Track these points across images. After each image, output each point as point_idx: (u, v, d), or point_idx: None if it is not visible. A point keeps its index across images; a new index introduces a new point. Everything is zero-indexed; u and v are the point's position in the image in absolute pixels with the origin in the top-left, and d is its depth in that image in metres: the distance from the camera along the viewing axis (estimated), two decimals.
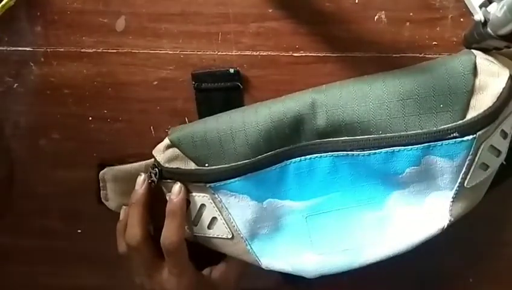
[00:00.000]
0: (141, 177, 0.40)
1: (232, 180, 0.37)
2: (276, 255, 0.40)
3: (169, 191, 0.39)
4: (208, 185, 0.38)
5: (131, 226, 0.40)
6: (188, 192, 0.39)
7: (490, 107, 0.34)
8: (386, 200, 0.38)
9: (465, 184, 0.36)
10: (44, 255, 0.50)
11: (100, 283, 0.52)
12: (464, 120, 0.34)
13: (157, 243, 0.39)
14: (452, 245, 0.46)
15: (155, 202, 0.40)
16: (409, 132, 0.35)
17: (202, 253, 0.41)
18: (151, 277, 0.40)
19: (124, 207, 0.43)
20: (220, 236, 0.40)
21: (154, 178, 0.39)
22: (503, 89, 0.34)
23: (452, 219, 0.37)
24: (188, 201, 0.39)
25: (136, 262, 0.40)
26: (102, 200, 0.45)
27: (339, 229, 0.39)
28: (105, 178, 0.44)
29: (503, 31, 0.30)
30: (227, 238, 0.39)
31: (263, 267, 0.40)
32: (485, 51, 0.35)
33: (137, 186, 0.40)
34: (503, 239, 0.46)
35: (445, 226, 0.37)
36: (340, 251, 0.39)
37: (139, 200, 0.40)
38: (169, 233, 0.38)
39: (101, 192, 0.45)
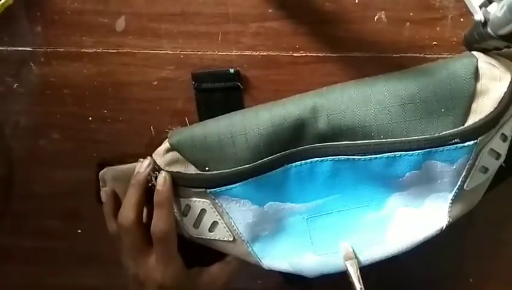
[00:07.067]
0: (146, 161, 0.39)
1: (233, 185, 0.37)
2: (277, 256, 0.40)
3: None
4: (208, 190, 0.38)
5: (125, 207, 0.39)
6: (187, 197, 0.39)
7: (492, 112, 0.34)
8: (386, 201, 0.38)
9: (464, 187, 0.36)
10: (44, 255, 0.50)
11: (100, 283, 0.51)
12: (465, 126, 0.34)
13: (149, 230, 0.39)
14: (452, 245, 0.46)
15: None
16: (410, 138, 0.35)
17: (195, 251, 0.41)
18: (137, 262, 0.40)
19: (103, 189, 0.43)
20: (221, 239, 0.40)
21: (154, 182, 0.39)
22: (505, 93, 0.34)
23: (451, 220, 0.37)
24: (188, 206, 0.39)
25: (124, 244, 0.40)
26: (102, 200, 0.45)
27: (339, 229, 0.39)
28: (105, 178, 0.44)
29: (503, 31, 0.30)
30: (229, 241, 0.40)
31: (264, 267, 0.40)
32: (485, 51, 0.35)
33: (141, 169, 0.39)
34: (503, 239, 0.46)
35: (444, 226, 0.37)
36: (340, 251, 0.39)
37: (139, 181, 0.39)
38: (159, 222, 0.38)
39: (101, 192, 0.45)
